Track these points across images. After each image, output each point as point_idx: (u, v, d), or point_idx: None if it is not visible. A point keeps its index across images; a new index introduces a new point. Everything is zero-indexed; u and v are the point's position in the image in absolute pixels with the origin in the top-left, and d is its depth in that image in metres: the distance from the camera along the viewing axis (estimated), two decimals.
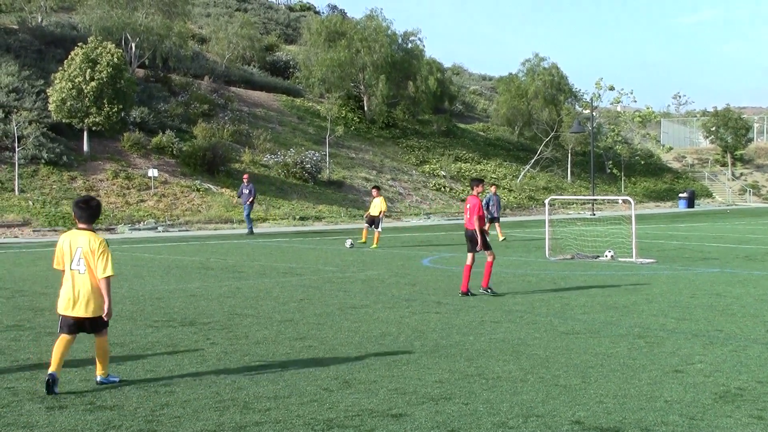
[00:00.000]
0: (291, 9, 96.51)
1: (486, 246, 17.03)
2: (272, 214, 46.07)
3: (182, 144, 49.98)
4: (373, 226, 30.52)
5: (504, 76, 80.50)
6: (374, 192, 31.43)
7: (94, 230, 9.62)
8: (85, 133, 45.63)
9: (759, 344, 11.74)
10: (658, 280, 19.46)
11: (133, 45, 55.07)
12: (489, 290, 17.13)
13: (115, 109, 44.31)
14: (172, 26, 56.78)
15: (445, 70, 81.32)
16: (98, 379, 9.52)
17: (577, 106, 78.22)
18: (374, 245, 29.51)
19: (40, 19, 59.35)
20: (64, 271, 9.46)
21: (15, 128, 42.28)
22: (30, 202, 40.19)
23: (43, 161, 43.64)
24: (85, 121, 44.21)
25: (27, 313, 14.85)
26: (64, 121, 44.48)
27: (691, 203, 71.02)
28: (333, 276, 20.71)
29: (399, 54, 68.06)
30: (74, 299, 9.31)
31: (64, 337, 9.30)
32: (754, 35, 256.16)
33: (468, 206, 17.35)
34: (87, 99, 43.52)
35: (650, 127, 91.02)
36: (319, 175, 54.00)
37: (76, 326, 9.35)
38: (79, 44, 45.26)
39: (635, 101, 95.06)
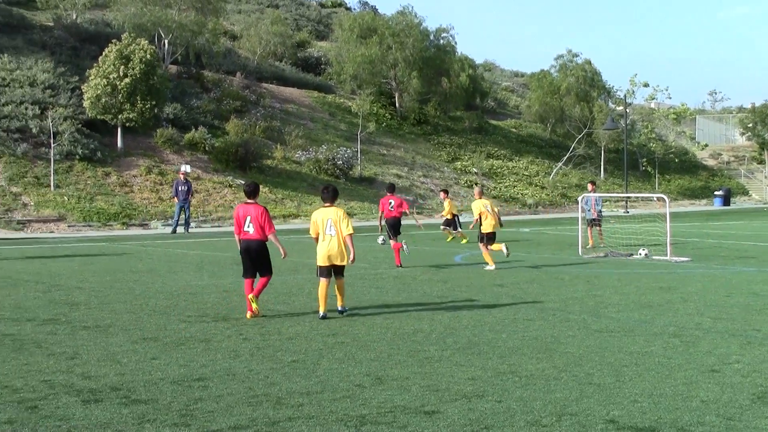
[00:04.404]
0: (322, 5, 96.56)
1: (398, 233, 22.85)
2: (304, 210, 46.15)
3: (214, 140, 50.15)
4: (450, 228, 32.13)
5: (536, 72, 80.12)
6: (441, 195, 32.77)
7: (337, 205, 14.14)
8: (119, 130, 45.90)
9: None
10: (693, 279, 19.32)
11: (166, 42, 55.33)
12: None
13: (148, 105, 44.54)
14: (205, 23, 56.97)
15: (476, 67, 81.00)
16: (339, 309, 14.15)
17: (610, 103, 77.74)
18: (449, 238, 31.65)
19: (75, 17, 59.73)
20: (317, 238, 13.92)
21: (51, 124, 42.60)
22: (65, 198, 40.49)
23: (77, 157, 43.95)
24: (119, 117, 44.48)
25: (63, 307, 14.97)
26: (98, 117, 44.76)
27: (726, 201, 70.43)
28: (365, 273, 20.70)
29: (431, 50, 67.89)
30: (329, 254, 13.82)
31: (323, 281, 13.88)
32: None
33: (393, 203, 23.08)
34: (120, 95, 43.76)
35: (685, 124, 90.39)
36: (351, 172, 54.03)
37: (329, 272, 13.92)
38: (113, 41, 45.51)
39: (670, 98, 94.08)
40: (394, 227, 22.88)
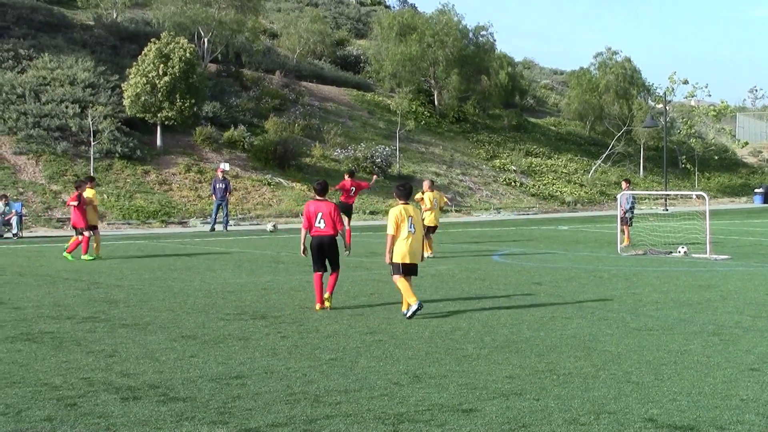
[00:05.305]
0: (362, 4, 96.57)
1: None
2: None
3: (253, 138, 50.34)
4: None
5: (575, 70, 79.64)
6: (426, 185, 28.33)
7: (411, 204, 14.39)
8: (158, 128, 46.21)
9: None
10: (732, 277, 19.13)
11: (206, 40, 55.62)
12: None
13: (188, 103, 44.79)
14: (245, 21, 57.19)
15: (516, 65, 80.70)
16: (404, 312, 13.75)
17: (649, 101, 77.07)
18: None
19: (115, 15, 60.24)
20: (396, 235, 13.81)
21: (91, 123, 42.98)
22: (104, 196, 40.83)
23: (117, 155, 44.30)
24: (158, 115, 44.76)
25: (102, 305, 15.11)
26: (137, 115, 45.08)
27: (767, 199, 69.65)
28: None
29: (470, 48, 67.71)
30: (408, 251, 13.85)
31: (401, 277, 13.85)
32: None
33: (354, 189, 25.79)
34: (160, 94, 44.06)
35: (725, 121, 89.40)
36: (389, 170, 54.00)
37: (404, 269, 13.84)
38: (153, 40, 45.82)
39: (710, 95, 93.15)
40: (346, 211, 25.26)
